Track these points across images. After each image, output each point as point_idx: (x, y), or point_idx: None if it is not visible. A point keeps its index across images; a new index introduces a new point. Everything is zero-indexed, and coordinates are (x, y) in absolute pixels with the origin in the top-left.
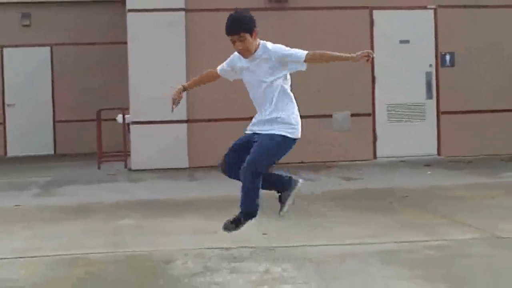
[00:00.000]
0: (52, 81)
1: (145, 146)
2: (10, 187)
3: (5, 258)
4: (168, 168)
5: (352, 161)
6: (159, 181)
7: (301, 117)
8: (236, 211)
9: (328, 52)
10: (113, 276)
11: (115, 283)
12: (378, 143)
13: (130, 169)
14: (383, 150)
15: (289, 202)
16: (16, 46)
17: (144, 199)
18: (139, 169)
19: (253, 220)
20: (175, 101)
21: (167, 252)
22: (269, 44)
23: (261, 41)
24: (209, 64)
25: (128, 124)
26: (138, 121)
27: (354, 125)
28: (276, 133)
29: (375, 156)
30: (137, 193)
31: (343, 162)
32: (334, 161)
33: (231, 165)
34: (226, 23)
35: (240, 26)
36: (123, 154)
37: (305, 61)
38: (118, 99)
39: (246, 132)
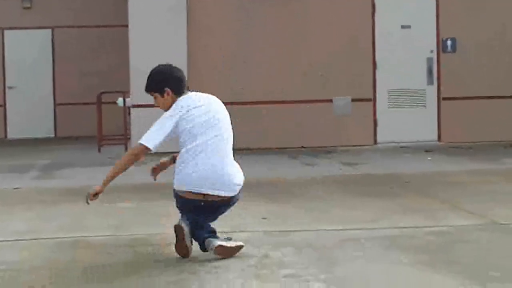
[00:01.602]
0: (53, 63)
1: (146, 129)
2: (10, 169)
3: (5, 241)
4: (169, 152)
5: (353, 146)
6: None
7: (303, 101)
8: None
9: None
10: (114, 259)
11: (116, 265)
12: (378, 129)
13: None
14: (383, 135)
15: None
16: (17, 28)
17: (144, 182)
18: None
19: None
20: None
21: (167, 235)
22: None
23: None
24: (210, 48)
25: (129, 108)
26: (139, 104)
27: (355, 111)
28: None
29: (375, 142)
30: (137, 176)
31: (344, 147)
32: (334, 146)
33: None
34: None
35: (150, 85)
36: (124, 137)
37: None
38: (119, 82)
39: None
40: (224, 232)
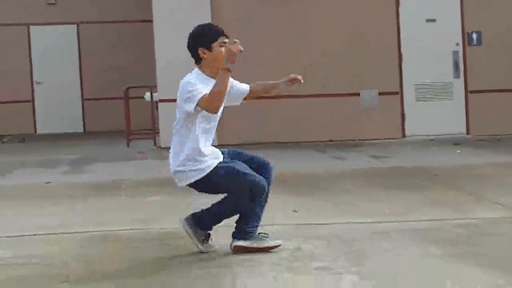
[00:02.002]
0: (79, 59)
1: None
2: (40, 164)
3: (36, 235)
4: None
5: (380, 139)
6: None
7: (330, 95)
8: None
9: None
10: (143, 253)
11: (146, 259)
12: (406, 122)
13: (159, 147)
14: (411, 129)
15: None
16: (43, 24)
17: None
18: (168, 147)
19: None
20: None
21: None
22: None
23: None
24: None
25: (156, 102)
26: (166, 98)
27: (382, 104)
28: None
29: (403, 135)
30: (166, 170)
31: (371, 141)
32: (362, 140)
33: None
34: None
35: (210, 36)
36: (152, 131)
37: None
38: (145, 77)
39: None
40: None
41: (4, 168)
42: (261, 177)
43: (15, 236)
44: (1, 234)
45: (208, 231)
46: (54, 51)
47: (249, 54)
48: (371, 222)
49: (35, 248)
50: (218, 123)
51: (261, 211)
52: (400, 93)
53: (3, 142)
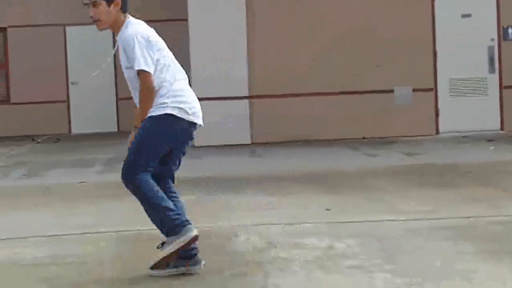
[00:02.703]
0: (114, 58)
1: (207, 122)
2: (75, 164)
3: (71, 234)
4: (230, 144)
5: (414, 136)
6: (221, 157)
7: (363, 92)
8: (302, 188)
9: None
10: None
11: None
12: (440, 118)
13: (192, 146)
14: (445, 125)
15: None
16: (78, 24)
17: (206, 175)
18: (201, 146)
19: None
20: None
21: (230, 228)
22: (130, 27)
23: (130, 20)
24: (269, 42)
25: None
26: (200, 97)
27: (416, 100)
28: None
29: (437, 131)
30: (199, 170)
31: (405, 138)
32: (395, 137)
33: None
34: None
35: None
36: None
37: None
38: None
39: None
40: (287, 223)
41: (40, 168)
42: None
43: (50, 235)
44: (36, 233)
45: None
46: (89, 51)
47: (283, 51)
48: (404, 220)
49: (70, 248)
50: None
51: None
52: (434, 89)
53: (38, 142)
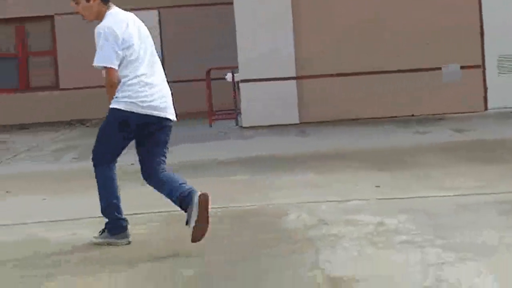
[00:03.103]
0: (161, 43)
1: (255, 104)
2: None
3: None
4: (279, 124)
5: (463, 113)
6: (270, 137)
7: (411, 70)
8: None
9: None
10: (227, 231)
11: (230, 237)
12: (488, 95)
13: (241, 127)
14: (494, 101)
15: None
16: (125, 10)
17: (255, 155)
18: (250, 126)
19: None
20: None
21: (280, 206)
22: (105, 20)
23: (111, 11)
24: (316, 21)
25: (238, 82)
26: (247, 79)
27: (464, 77)
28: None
29: (486, 108)
30: (248, 150)
31: (453, 114)
32: (444, 113)
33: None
34: None
35: None
36: (234, 112)
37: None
38: (226, 58)
39: None
40: (338, 201)
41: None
42: None
43: (100, 216)
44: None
45: None
46: None
47: (330, 30)
48: (454, 195)
49: None
50: None
51: None
52: (482, 66)
53: (87, 126)
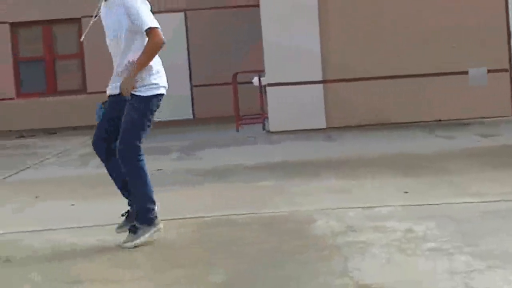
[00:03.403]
0: (188, 46)
1: (282, 108)
2: (152, 151)
3: None
4: (306, 129)
5: (490, 117)
6: (297, 142)
7: (437, 74)
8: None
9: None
10: (255, 238)
11: (258, 244)
12: None
13: (268, 131)
14: None
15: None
16: (153, 12)
17: (282, 161)
18: (277, 131)
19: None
20: None
21: (308, 212)
22: None
23: None
24: (342, 25)
25: (264, 86)
26: (274, 83)
27: (491, 81)
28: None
29: None
30: (275, 155)
31: (480, 119)
32: (471, 118)
33: (100, 145)
34: None
35: None
36: (261, 116)
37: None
38: (252, 62)
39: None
40: (366, 207)
41: None
42: (96, 134)
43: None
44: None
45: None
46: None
47: (356, 34)
48: (481, 202)
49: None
50: None
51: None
52: (509, 69)
53: None
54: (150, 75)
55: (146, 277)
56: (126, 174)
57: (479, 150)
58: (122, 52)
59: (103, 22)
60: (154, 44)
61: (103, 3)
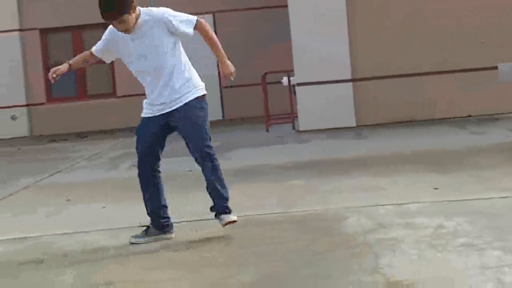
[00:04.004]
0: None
1: (312, 107)
2: (182, 153)
3: (184, 221)
4: (336, 128)
5: None
6: (327, 141)
7: (467, 70)
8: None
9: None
10: (287, 237)
11: (289, 243)
12: None
13: (298, 130)
14: None
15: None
16: None
17: (313, 159)
18: (306, 130)
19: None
20: (54, 75)
21: (339, 210)
22: (151, 8)
23: (140, 8)
24: (371, 23)
25: (294, 86)
26: (304, 82)
27: None
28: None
29: None
30: (305, 154)
31: (510, 114)
32: (501, 113)
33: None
34: (100, 5)
35: (117, 11)
36: (290, 115)
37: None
38: (281, 62)
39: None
40: (396, 204)
41: None
42: (141, 152)
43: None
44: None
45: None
46: (191, 41)
47: (385, 32)
48: None
49: (185, 234)
50: None
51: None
52: None
53: None
54: (190, 79)
55: (179, 278)
56: (214, 173)
57: (510, 145)
58: (169, 70)
59: (128, 51)
60: (208, 28)
61: (121, 37)
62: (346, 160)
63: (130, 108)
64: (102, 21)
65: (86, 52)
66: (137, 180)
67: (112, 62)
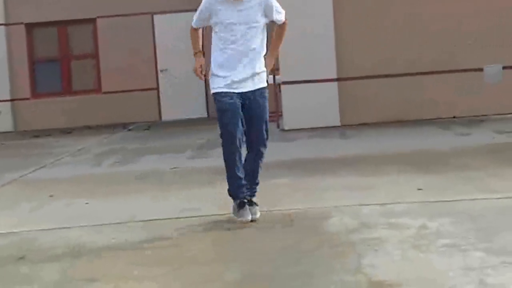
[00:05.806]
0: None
1: (297, 106)
2: (166, 150)
3: (165, 219)
4: (320, 127)
5: (505, 114)
6: (312, 140)
7: (452, 71)
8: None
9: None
10: (271, 234)
11: (273, 240)
12: None
13: (282, 129)
14: None
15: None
16: (165, 12)
17: (297, 158)
18: (291, 129)
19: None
20: (204, 73)
21: (323, 209)
22: None
23: None
24: (357, 22)
25: (279, 85)
26: (289, 81)
27: (506, 78)
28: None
29: None
30: (290, 152)
31: (496, 116)
32: (486, 115)
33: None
34: None
35: None
36: (275, 114)
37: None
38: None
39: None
40: (380, 204)
41: (132, 155)
42: (234, 127)
43: (146, 220)
44: (132, 219)
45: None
46: (178, 38)
47: (371, 31)
48: (497, 198)
49: (165, 232)
50: None
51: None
52: None
53: (129, 130)
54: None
55: (163, 275)
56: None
57: (495, 147)
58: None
59: (231, 13)
60: (285, 32)
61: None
62: (331, 159)
63: (115, 104)
64: (88, 16)
65: (193, 32)
66: (120, 176)
67: (98, 58)
